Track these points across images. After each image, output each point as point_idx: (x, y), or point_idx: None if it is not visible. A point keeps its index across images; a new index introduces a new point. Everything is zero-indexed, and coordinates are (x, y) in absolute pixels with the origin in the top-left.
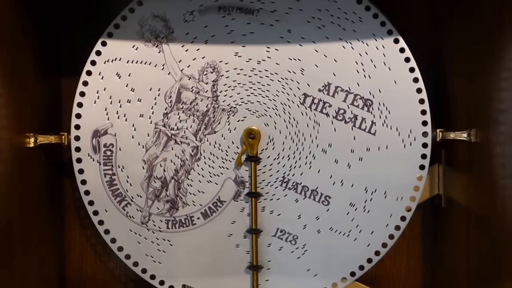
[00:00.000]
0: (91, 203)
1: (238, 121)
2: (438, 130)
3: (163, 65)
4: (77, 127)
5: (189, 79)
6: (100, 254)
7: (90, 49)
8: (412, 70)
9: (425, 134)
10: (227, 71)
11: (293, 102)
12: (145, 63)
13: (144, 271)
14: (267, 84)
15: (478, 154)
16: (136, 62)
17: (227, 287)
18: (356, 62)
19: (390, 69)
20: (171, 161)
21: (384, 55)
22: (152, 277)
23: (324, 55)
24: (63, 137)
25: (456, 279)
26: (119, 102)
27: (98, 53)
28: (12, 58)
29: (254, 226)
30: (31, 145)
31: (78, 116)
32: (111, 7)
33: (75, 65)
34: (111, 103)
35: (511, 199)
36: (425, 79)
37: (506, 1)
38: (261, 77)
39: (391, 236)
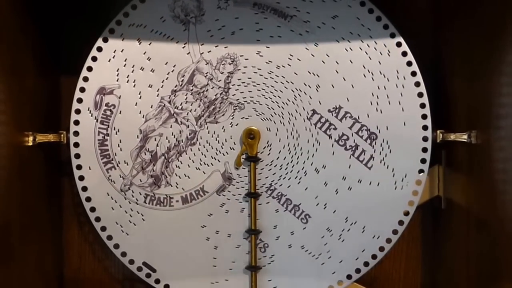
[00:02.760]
0: (77, 156)
1: (242, 118)
2: (438, 131)
3: (185, 44)
4: (85, 79)
5: (206, 64)
6: (99, 253)
7: (89, 48)
8: (424, 117)
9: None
10: (245, 67)
11: (300, 115)
12: (168, 37)
13: (109, 237)
14: (280, 91)
15: (478, 155)
16: (160, 34)
17: (187, 276)
18: (372, 93)
19: (403, 110)
20: (166, 138)
21: (401, 95)
22: (116, 246)
23: (343, 78)
24: (62, 136)
25: (456, 281)
26: (133, 67)
27: (126, 14)
28: (11, 57)
29: (253, 227)
30: (30, 143)
31: (90, 69)
32: (111, 5)
33: (75, 64)
34: (124, 65)
35: (511, 201)
36: (426, 79)
37: (508, 2)
38: (276, 82)
39: (357, 270)
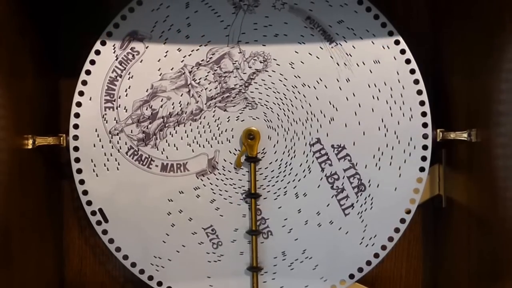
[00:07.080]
0: (84, 82)
1: (249, 117)
2: (438, 130)
3: (228, 26)
4: (124, 17)
5: (239, 53)
6: (99, 255)
7: (88, 50)
8: (416, 191)
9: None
10: (273, 71)
11: (304, 138)
12: (215, 13)
13: (79, 171)
14: (296, 107)
15: (478, 154)
16: (209, 7)
17: (135, 240)
18: (379, 148)
19: (400, 176)
20: (172, 104)
21: (405, 162)
22: (81, 182)
23: (359, 122)
24: (61, 138)
25: (457, 280)
26: (171, 25)
27: None
28: (10, 60)
29: (254, 227)
30: (29, 146)
31: (132, 10)
32: (110, 8)
33: (73, 66)
34: (164, 21)
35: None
36: (425, 78)
37: (506, 0)
38: (296, 98)
39: None
